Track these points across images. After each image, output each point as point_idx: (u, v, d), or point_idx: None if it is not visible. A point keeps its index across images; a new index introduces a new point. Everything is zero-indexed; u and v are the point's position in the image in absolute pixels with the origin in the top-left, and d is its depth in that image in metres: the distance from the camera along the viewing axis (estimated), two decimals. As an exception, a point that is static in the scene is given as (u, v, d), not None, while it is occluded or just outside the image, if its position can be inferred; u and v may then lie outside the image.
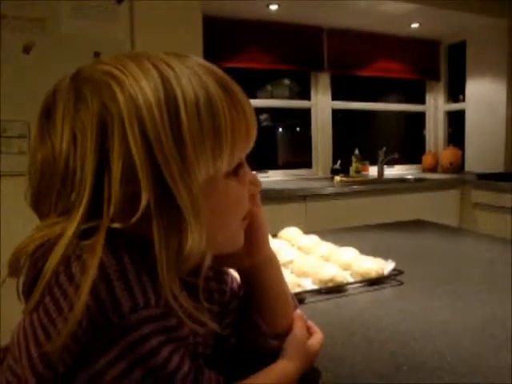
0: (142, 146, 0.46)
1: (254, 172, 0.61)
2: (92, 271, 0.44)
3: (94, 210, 0.48)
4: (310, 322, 0.71)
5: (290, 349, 0.64)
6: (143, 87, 0.47)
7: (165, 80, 0.48)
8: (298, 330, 0.66)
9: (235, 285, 0.70)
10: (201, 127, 0.48)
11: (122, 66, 0.49)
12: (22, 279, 0.50)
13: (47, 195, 0.50)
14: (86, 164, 0.47)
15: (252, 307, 0.66)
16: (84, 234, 0.47)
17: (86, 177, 0.47)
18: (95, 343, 0.43)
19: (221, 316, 0.64)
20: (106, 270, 0.45)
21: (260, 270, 0.65)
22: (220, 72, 0.53)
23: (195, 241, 0.48)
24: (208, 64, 0.53)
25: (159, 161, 0.46)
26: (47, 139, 0.50)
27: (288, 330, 0.66)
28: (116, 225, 0.48)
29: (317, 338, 0.68)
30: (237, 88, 0.54)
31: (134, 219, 0.47)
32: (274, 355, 0.63)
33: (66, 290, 0.45)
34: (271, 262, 0.67)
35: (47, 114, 0.51)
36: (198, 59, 0.53)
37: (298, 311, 0.70)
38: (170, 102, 0.47)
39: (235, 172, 0.55)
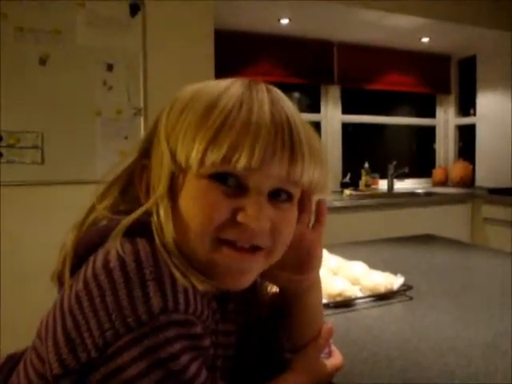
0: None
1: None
2: (129, 267, 0.46)
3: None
4: (333, 347, 0.70)
5: (298, 363, 0.64)
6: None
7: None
8: (311, 348, 0.65)
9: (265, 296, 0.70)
10: (175, 123, 0.54)
11: None
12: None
13: None
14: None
15: (281, 322, 0.66)
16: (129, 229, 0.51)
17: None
18: (120, 338, 0.44)
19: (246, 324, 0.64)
20: (142, 268, 0.47)
21: (302, 294, 0.64)
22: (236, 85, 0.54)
23: (162, 219, 0.52)
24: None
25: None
26: None
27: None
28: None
29: (332, 361, 0.68)
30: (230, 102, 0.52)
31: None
32: (284, 367, 0.63)
33: (101, 281, 0.46)
34: (315, 287, 0.66)
35: None
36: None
37: (329, 326, 0.69)
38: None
39: (214, 177, 0.51)
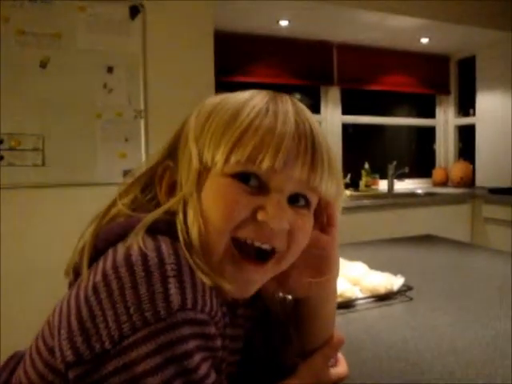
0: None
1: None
2: (150, 262, 0.47)
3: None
4: (340, 355, 0.70)
5: (305, 369, 0.63)
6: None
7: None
8: (319, 355, 0.65)
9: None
10: (203, 125, 0.57)
11: None
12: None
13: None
14: None
15: (293, 324, 0.66)
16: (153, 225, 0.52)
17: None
18: (136, 332, 0.44)
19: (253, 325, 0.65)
20: (164, 264, 0.47)
21: (317, 302, 0.64)
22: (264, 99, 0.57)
23: (190, 216, 0.53)
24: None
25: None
26: None
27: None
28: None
29: (337, 370, 0.67)
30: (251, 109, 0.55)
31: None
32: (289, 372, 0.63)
33: (121, 274, 0.46)
34: (331, 295, 0.65)
35: None
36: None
37: (340, 336, 0.68)
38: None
39: (237, 176, 0.53)
